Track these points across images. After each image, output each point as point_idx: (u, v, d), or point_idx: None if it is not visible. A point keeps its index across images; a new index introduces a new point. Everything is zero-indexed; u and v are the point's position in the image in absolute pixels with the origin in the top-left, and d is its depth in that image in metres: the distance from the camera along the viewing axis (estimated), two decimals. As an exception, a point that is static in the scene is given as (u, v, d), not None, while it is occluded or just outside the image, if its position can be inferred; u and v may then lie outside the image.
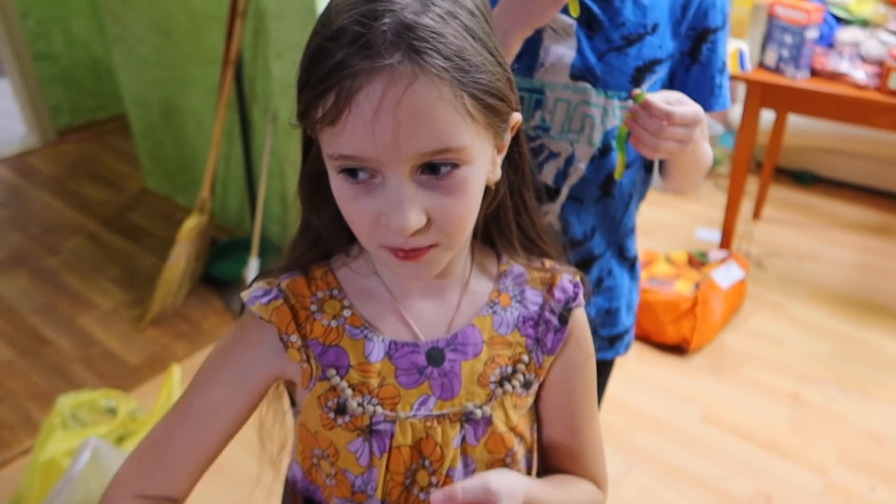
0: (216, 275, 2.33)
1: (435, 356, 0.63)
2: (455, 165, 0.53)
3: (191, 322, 2.19)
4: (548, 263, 0.69)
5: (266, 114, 2.23)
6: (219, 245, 2.41)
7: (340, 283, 0.65)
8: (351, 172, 0.53)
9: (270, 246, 2.31)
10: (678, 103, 0.78)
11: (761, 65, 1.99)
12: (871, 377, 2.01)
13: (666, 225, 2.74)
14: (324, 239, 0.66)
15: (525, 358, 0.66)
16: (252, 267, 2.17)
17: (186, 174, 2.74)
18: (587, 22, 0.88)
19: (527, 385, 0.66)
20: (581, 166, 0.93)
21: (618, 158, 0.84)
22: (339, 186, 0.55)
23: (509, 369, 0.65)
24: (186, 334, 2.14)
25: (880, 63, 1.83)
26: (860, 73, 1.82)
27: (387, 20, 0.49)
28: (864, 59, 1.86)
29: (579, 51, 0.88)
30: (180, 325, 2.18)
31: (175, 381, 1.52)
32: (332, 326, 0.63)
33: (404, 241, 0.54)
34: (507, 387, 0.64)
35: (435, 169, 0.52)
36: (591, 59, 0.88)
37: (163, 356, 2.04)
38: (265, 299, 0.63)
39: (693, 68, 0.91)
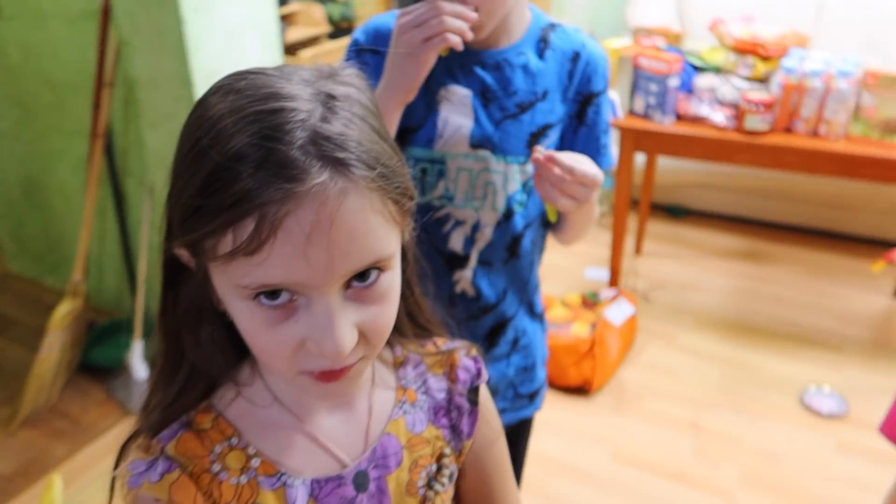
0: (95, 362, 2.15)
1: (361, 482, 0.59)
2: (381, 270, 0.50)
3: (69, 418, 2.01)
4: (440, 342, 0.67)
5: (142, 186, 2.11)
6: (97, 329, 2.23)
7: (236, 426, 0.56)
8: (270, 295, 0.48)
9: (154, 323, 2.17)
10: (582, 162, 0.83)
11: (632, 112, 2.11)
12: (758, 397, 2.13)
13: (557, 268, 2.82)
14: (201, 370, 0.57)
15: (447, 451, 0.63)
16: (136, 350, 2.03)
17: (55, 255, 2.55)
18: (482, 92, 0.91)
19: (451, 477, 0.64)
20: (487, 231, 0.95)
21: (547, 205, 0.87)
22: (250, 314, 0.49)
23: (434, 468, 0.62)
24: (66, 432, 1.95)
25: (736, 106, 1.98)
26: (719, 116, 1.97)
27: (300, 134, 0.46)
28: (721, 103, 2.01)
29: (476, 120, 0.91)
30: (57, 423, 1.99)
31: (56, 492, 1.37)
32: (244, 483, 0.55)
33: (333, 363, 0.49)
34: (437, 486, 0.62)
35: (363, 276, 0.49)
36: (488, 127, 0.91)
37: (39, 460, 1.85)
38: (154, 475, 0.53)
39: (580, 130, 0.96)
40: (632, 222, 3.00)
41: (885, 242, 2.94)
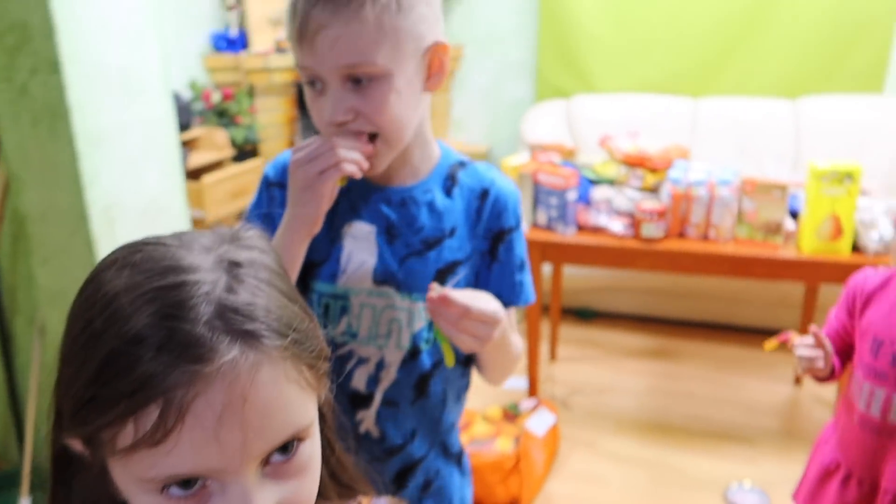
0: (-28, 525, 1.92)
1: None
2: (300, 440, 0.47)
3: None
4: (365, 501, 0.64)
5: (32, 326, 1.97)
6: (-25, 486, 2.00)
7: None
8: (180, 485, 0.43)
9: (45, 476, 1.97)
10: (480, 300, 0.81)
11: (535, 224, 2.18)
12: (685, 498, 2.13)
13: (475, 381, 2.80)
14: None
15: None
16: (21, 509, 1.82)
17: (-73, 405, 2.30)
18: (386, 228, 0.90)
19: None
20: (392, 370, 0.92)
21: (443, 348, 0.85)
22: None
23: None
24: None
25: (631, 215, 2.09)
26: (617, 225, 2.07)
27: (204, 308, 0.43)
28: (618, 213, 2.11)
29: (380, 256, 0.90)
30: None
31: None
32: None
33: None
34: None
35: (282, 449, 0.46)
36: (392, 264, 0.90)
37: None
38: None
39: (493, 267, 0.95)
40: (544, 329, 3.06)
41: (779, 331, 3.10)
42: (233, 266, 0.46)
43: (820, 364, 1.26)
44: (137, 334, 0.42)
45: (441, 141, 0.98)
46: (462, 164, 0.96)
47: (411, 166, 0.92)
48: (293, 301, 0.49)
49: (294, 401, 0.45)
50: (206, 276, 0.45)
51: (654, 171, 2.07)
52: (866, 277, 1.32)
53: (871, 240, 1.87)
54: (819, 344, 1.26)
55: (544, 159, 2.27)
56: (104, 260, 0.48)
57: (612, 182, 2.19)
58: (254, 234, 0.52)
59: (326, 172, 0.81)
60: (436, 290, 0.80)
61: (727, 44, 3.53)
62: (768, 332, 3.23)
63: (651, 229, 2.00)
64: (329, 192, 0.83)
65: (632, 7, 3.60)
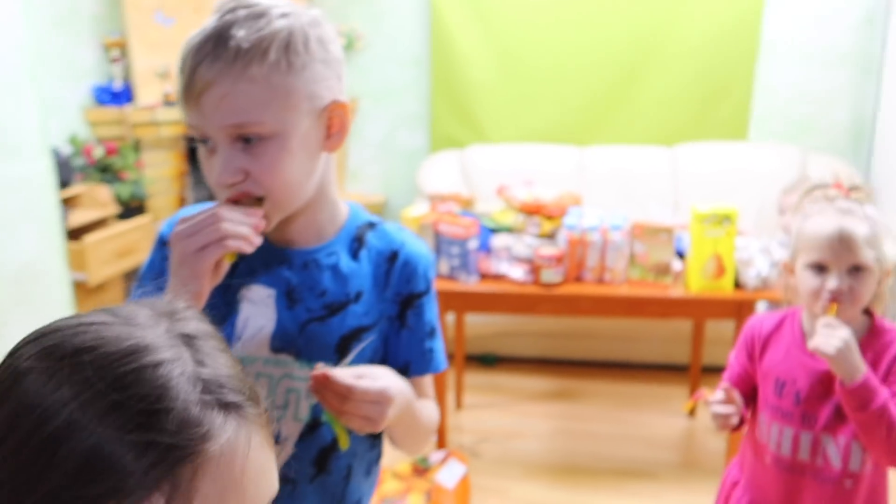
0: None
1: None
2: None
3: None
4: None
5: None
6: None
7: None
8: None
9: None
10: (369, 378, 0.77)
11: (438, 274, 2.19)
12: (596, 540, 2.15)
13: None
14: None
15: None
16: None
17: None
18: (286, 292, 0.86)
19: None
20: (289, 444, 0.86)
21: (335, 429, 0.80)
22: None
23: None
24: None
25: (531, 261, 2.14)
26: (518, 272, 2.11)
27: (186, 386, 0.41)
28: (518, 260, 2.16)
29: (279, 322, 0.85)
30: None
31: None
32: None
33: None
34: None
35: None
36: (292, 330, 0.85)
37: None
38: None
39: (402, 333, 0.91)
40: (450, 377, 3.05)
41: (672, 366, 3.25)
42: (188, 339, 0.44)
43: (734, 420, 1.30)
44: (116, 428, 0.38)
45: (352, 201, 0.96)
46: (371, 225, 0.93)
47: (315, 227, 0.89)
48: (238, 363, 0.47)
49: (273, 464, 0.45)
50: (172, 354, 0.41)
51: (550, 218, 2.14)
52: (762, 321, 1.39)
53: (750, 276, 2.00)
54: (730, 399, 1.29)
55: (444, 209, 2.30)
56: (15, 366, 0.41)
57: (510, 230, 2.25)
58: (184, 303, 0.48)
59: (207, 249, 0.75)
60: (320, 367, 0.76)
61: (608, 96, 3.75)
62: (662, 367, 3.38)
63: (550, 275, 2.05)
64: (208, 270, 0.75)
65: (518, 62, 3.76)
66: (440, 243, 2.15)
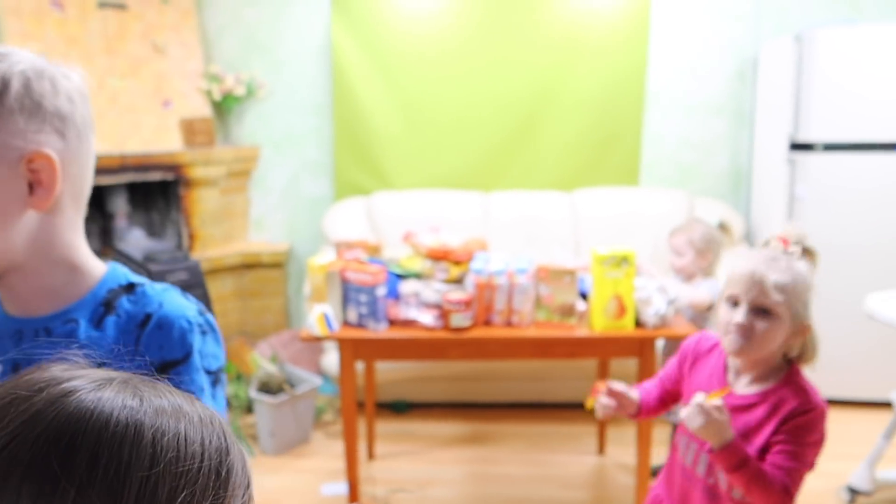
0: None
1: None
2: None
3: None
4: None
5: None
6: None
7: None
8: None
9: None
10: None
11: (346, 322, 2.16)
12: (513, 586, 2.13)
13: (289, 490, 2.64)
14: None
15: None
16: None
17: None
18: (14, 367, 0.79)
19: None
20: None
21: None
22: None
23: None
24: None
25: (440, 307, 2.15)
26: (427, 318, 2.11)
27: None
28: (426, 306, 2.16)
29: None
30: None
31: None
32: None
33: None
34: None
35: None
36: None
37: None
38: None
39: None
40: (360, 427, 2.99)
41: (580, 404, 3.31)
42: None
43: (627, 411, 1.52)
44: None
45: (114, 263, 0.88)
46: (130, 288, 0.85)
47: (46, 293, 0.81)
48: None
49: None
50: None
51: (457, 263, 2.16)
52: (699, 340, 1.49)
53: (650, 315, 2.09)
54: (611, 394, 1.50)
55: (350, 256, 2.29)
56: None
57: (418, 276, 2.25)
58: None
59: None
60: None
61: (509, 144, 3.88)
62: (570, 406, 3.45)
63: (459, 319, 2.07)
64: None
65: (421, 111, 3.84)
66: (347, 291, 2.12)
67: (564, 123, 3.83)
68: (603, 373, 2.81)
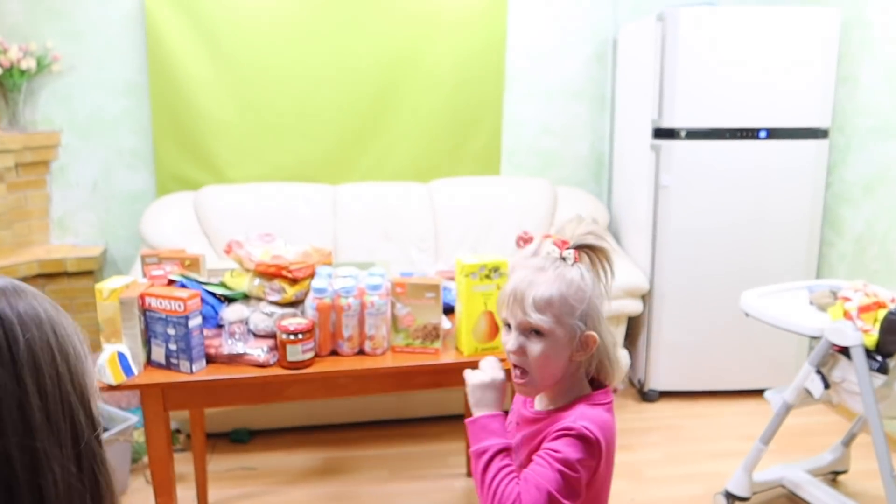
0: None
1: None
2: None
3: None
4: None
5: None
6: None
7: None
8: None
9: None
10: None
11: (151, 363, 1.68)
12: None
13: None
14: None
15: None
16: None
17: None
18: None
19: None
20: None
21: None
22: None
23: None
24: None
25: (273, 336, 1.73)
26: (257, 351, 1.68)
27: None
28: (256, 336, 1.74)
29: None
30: None
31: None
32: None
33: None
34: None
35: None
36: None
37: None
38: None
39: None
40: (185, 470, 2.50)
41: (446, 417, 3.02)
42: None
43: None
44: None
45: None
46: None
47: None
48: None
49: None
50: None
51: (294, 281, 1.75)
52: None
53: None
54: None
55: (158, 273, 1.80)
56: None
57: (245, 298, 1.81)
58: None
59: None
60: None
61: (358, 131, 3.47)
62: (436, 420, 3.14)
63: (298, 352, 1.66)
64: None
65: (256, 92, 3.33)
66: (151, 323, 1.65)
67: (420, 107, 3.48)
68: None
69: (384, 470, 2.72)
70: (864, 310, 2.00)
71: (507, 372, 1.20)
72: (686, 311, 3.09)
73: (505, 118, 3.62)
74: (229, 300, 1.81)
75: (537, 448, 1.10)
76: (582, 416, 1.08)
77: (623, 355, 1.38)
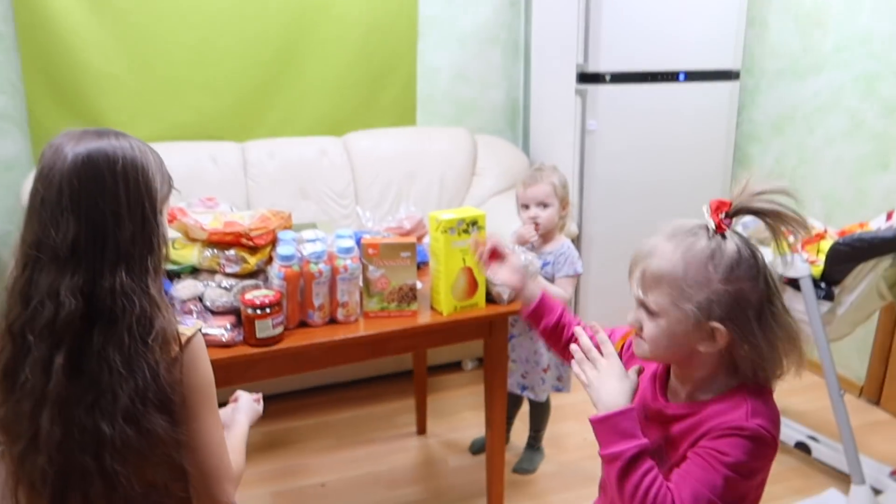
0: None
1: None
2: None
3: None
4: None
5: None
6: None
7: None
8: None
9: None
10: None
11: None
12: None
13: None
14: None
15: None
16: None
17: None
18: None
19: None
20: None
21: None
22: None
23: None
24: None
25: (234, 311, 1.56)
26: (221, 330, 1.51)
27: None
28: (216, 313, 1.55)
29: None
30: None
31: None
32: None
33: None
34: None
35: None
36: None
37: None
38: None
39: None
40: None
41: (394, 374, 2.93)
42: None
43: (522, 294, 1.31)
44: None
45: None
46: None
47: None
48: None
49: None
50: None
51: (254, 249, 1.57)
52: None
53: (502, 286, 1.72)
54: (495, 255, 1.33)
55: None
56: None
57: (196, 271, 1.62)
58: None
59: None
60: None
61: (264, 83, 3.21)
62: (375, 380, 3.03)
63: (268, 327, 1.50)
64: None
65: (148, 40, 2.98)
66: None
67: (330, 56, 3.26)
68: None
69: (330, 438, 2.61)
70: (806, 242, 2.09)
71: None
72: (614, 254, 3.14)
73: (420, 66, 3.47)
74: (176, 276, 1.61)
75: (690, 447, 0.93)
76: (755, 412, 0.90)
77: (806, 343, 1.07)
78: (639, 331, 0.98)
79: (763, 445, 0.88)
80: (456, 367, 3.10)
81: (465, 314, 1.69)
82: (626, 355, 1.13)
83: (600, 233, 3.16)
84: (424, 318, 1.67)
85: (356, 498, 2.26)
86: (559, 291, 2.07)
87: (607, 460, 0.93)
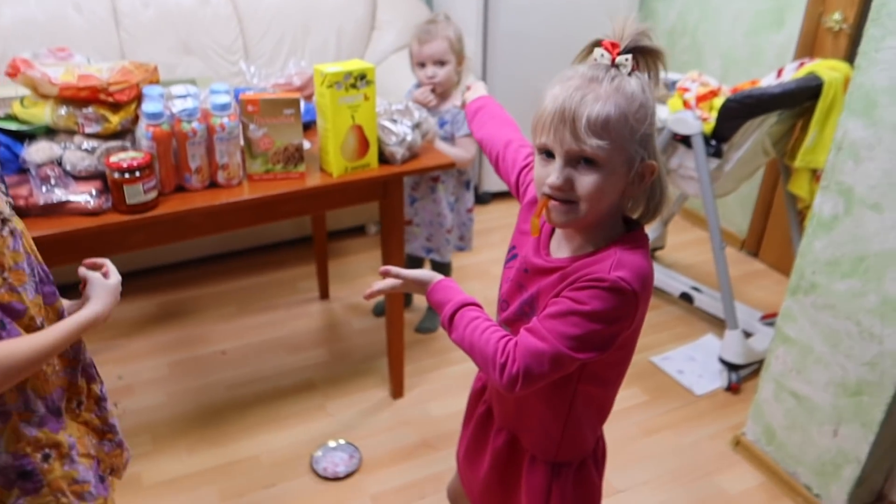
0: None
1: None
2: None
3: None
4: None
5: None
6: None
7: None
8: None
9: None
10: None
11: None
12: (272, 476, 1.75)
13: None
14: None
15: None
16: None
17: None
18: None
19: None
20: None
21: None
22: None
23: None
24: None
25: (100, 176, 1.42)
26: (85, 196, 1.38)
27: None
28: (77, 178, 1.41)
29: None
30: None
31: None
32: None
33: None
34: None
35: None
36: None
37: None
38: None
39: None
40: None
41: (292, 241, 2.87)
42: None
43: None
44: None
45: None
46: None
47: None
48: None
49: None
50: None
51: (116, 106, 1.41)
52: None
53: (395, 145, 1.65)
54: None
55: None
56: None
57: (49, 132, 1.45)
58: None
59: None
60: None
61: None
62: (274, 247, 2.96)
63: (138, 192, 1.38)
64: None
65: None
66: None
67: None
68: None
69: (231, 306, 2.56)
70: (701, 99, 2.09)
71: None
72: (518, 110, 3.08)
73: None
74: (28, 137, 1.44)
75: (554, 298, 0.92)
76: (619, 265, 0.88)
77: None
78: (565, 194, 0.90)
79: (621, 296, 0.87)
80: (360, 231, 3.06)
81: (356, 175, 1.61)
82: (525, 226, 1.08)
83: (504, 89, 3.08)
84: (313, 181, 1.59)
85: (258, 363, 2.26)
86: (460, 153, 2.02)
87: (444, 319, 0.99)
